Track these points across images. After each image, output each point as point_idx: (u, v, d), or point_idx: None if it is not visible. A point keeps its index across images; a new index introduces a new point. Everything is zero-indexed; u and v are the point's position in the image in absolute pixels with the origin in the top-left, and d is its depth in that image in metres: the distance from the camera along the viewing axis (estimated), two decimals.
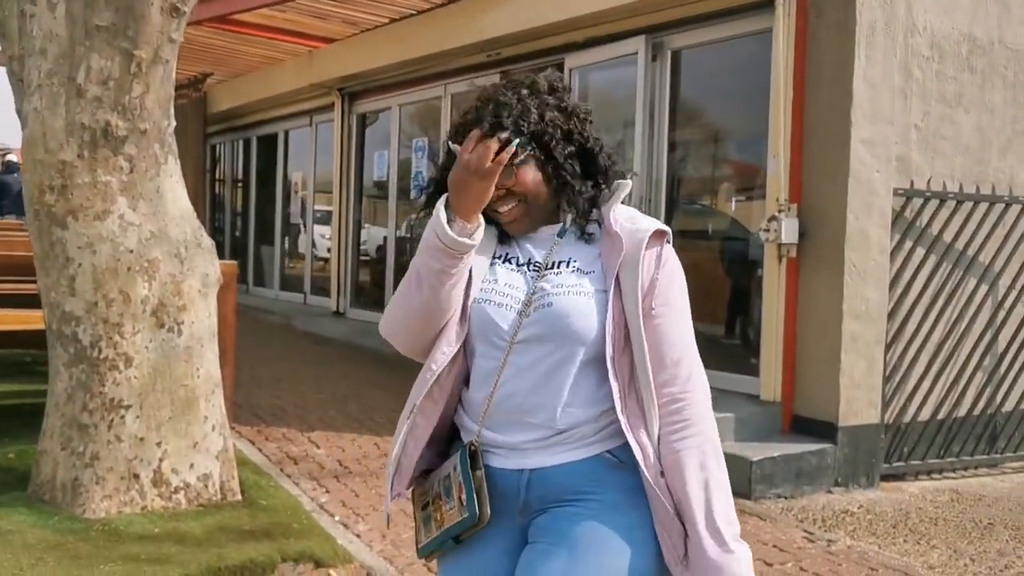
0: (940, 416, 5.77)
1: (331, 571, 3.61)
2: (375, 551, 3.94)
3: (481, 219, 1.70)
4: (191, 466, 4.06)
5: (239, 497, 4.17)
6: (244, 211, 14.81)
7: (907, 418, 5.66)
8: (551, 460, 1.68)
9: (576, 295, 1.68)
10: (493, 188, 1.66)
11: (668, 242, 1.74)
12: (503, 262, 1.76)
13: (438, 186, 1.76)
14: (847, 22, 5.34)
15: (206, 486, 4.07)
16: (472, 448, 1.71)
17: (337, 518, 4.31)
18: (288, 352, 8.93)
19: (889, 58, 5.46)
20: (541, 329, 1.67)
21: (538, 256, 1.75)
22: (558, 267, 1.72)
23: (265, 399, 6.65)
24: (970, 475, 5.81)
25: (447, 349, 1.72)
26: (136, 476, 3.95)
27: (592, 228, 1.77)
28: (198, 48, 10.28)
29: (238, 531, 3.79)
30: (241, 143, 14.79)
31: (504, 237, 1.79)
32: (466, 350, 1.74)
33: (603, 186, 1.77)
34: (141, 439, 3.95)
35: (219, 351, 4.33)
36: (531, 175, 1.71)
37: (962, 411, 5.86)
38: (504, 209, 1.71)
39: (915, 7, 5.58)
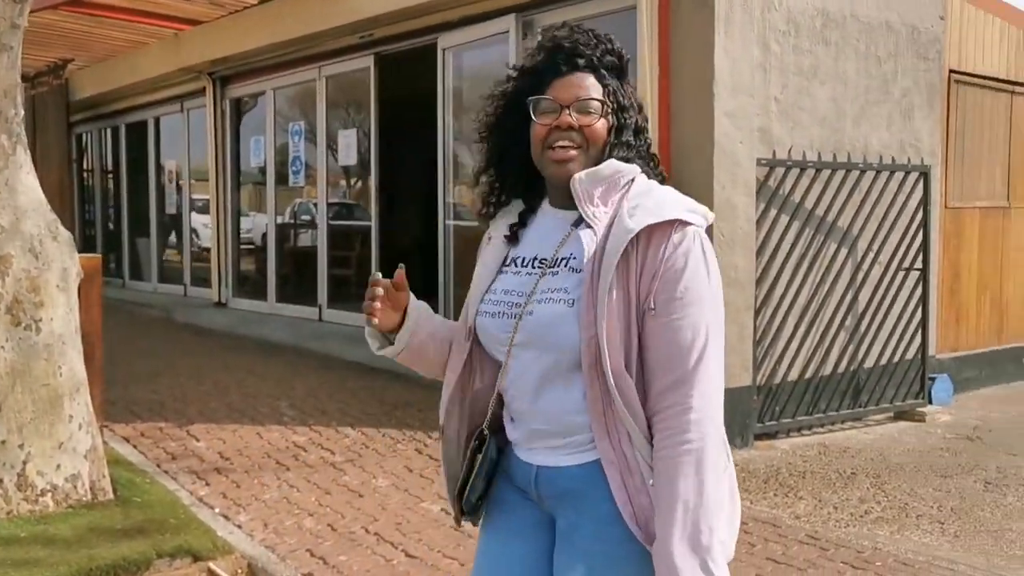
0: (808, 375, 6.05)
1: (211, 564, 3.55)
2: (257, 540, 3.89)
3: (410, 316, 1.78)
4: (58, 467, 3.92)
5: (111, 496, 4.05)
6: (116, 202, 14.25)
7: (778, 379, 5.91)
8: (554, 462, 1.69)
9: (557, 302, 1.64)
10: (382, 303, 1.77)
11: (686, 231, 1.60)
12: (509, 266, 1.76)
13: (499, 170, 1.80)
14: None
15: (75, 487, 3.94)
16: (482, 434, 1.77)
17: (217, 510, 4.24)
18: (167, 345, 8.68)
19: (747, 33, 5.65)
20: (526, 337, 1.67)
21: (546, 251, 1.72)
22: (558, 265, 1.69)
23: (142, 394, 6.45)
24: (837, 429, 6.12)
25: (455, 365, 1.80)
26: None
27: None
28: (56, 32, 9.82)
29: (111, 530, 3.69)
30: (109, 131, 14.20)
31: (514, 237, 1.78)
32: (480, 355, 1.78)
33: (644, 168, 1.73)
34: (2, 442, 3.80)
35: (85, 347, 4.18)
36: (602, 126, 1.69)
37: (828, 369, 6.15)
38: (561, 144, 1.67)
39: None
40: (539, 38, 1.78)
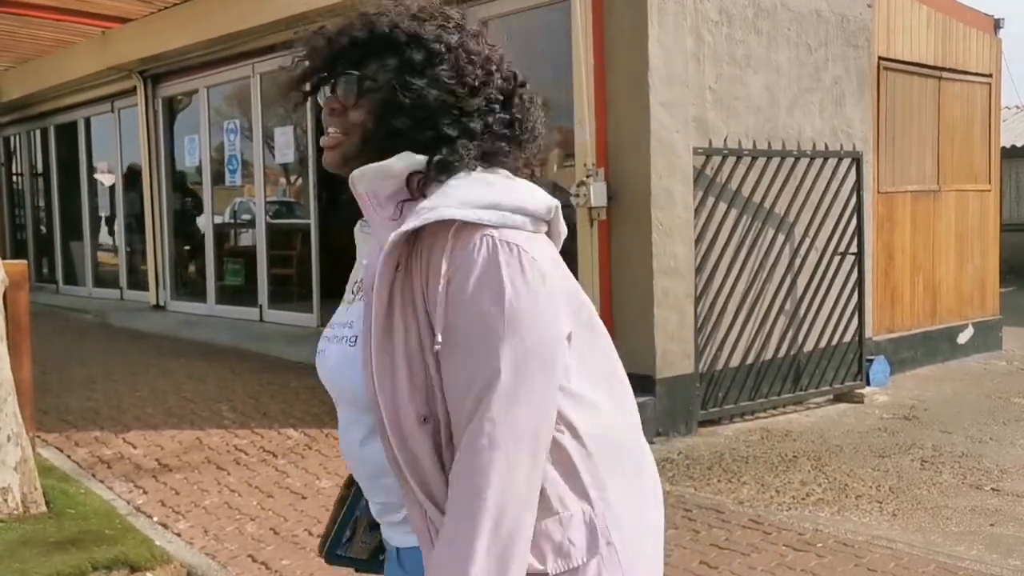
0: (749, 360, 6.13)
1: (148, 574, 3.47)
2: (197, 548, 3.82)
3: None
4: None
5: (44, 508, 3.94)
6: (48, 206, 13.87)
7: (720, 365, 5.97)
8: (407, 541, 1.32)
9: (340, 340, 1.35)
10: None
11: (472, 238, 1.22)
12: (351, 292, 1.42)
13: None
14: None
15: (5, 500, 3.82)
16: (350, 479, 1.51)
17: (155, 519, 4.14)
18: (103, 351, 8.47)
19: (680, 23, 5.68)
20: (326, 385, 1.39)
21: (360, 270, 1.40)
22: (356, 291, 1.38)
23: (75, 402, 6.29)
24: (779, 413, 6.21)
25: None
26: None
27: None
28: None
29: (44, 543, 3.58)
30: (38, 133, 13.82)
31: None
32: None
33: (458, 155, 1.29)
34: None
35: (13, 356, 4.06)
36: (362, 108, 1.33)
37: (768, 354, 6.24)
38: (328, 131, 1.38)
39: None
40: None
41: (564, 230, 1.38)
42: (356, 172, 1.30)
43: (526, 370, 1.19)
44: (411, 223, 1.22)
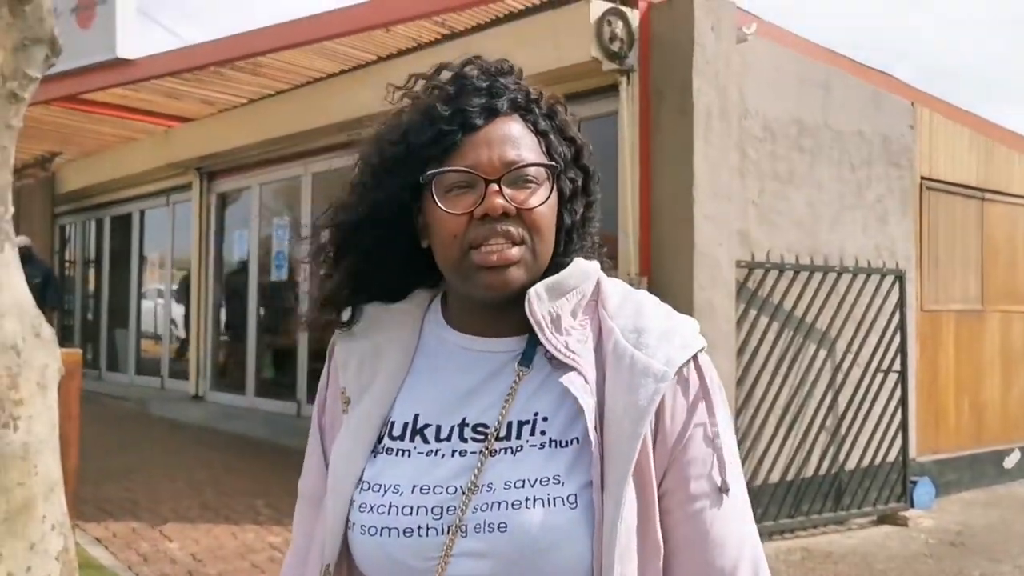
0: (790, 477, 6.03)
1: None
2: None
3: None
4: (28, 569, 3.79)
5: None
6: (96, 293, 14.20)
7: (759, 480, 5.88)
8: None
9: (548, 504, 0.98)
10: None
11: (702, 364, 1.05)
12: (399, 438, 1.06)
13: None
14: (685, 106, 5.67)
15: None
16: None
17: None
18: (141, 440, 8.54)
19: (726, 139, 5.82)
20: (489, 569, 0.98)
21: (471, 409, 1.05)
22: (517, 436, 1.02)
23: (114, 492, 6.32)
24: (819, 533, 6.06)
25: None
26: None
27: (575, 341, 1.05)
28: (46, 127, 9.94)
29: None
30: (93, 223, 14.25)
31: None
32: None
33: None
34: None
35: (61, 444, 4.11)
36: (549, 206, 1.08)
37: (809, 471, 6.14)
38: (495, 242, 1.03)
39: (747, 93, 5.98)
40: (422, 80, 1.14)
41: None
42: (540, 287, 1.07)
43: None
44: (676, 353, 1.02)
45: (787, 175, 6.22)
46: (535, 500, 0.98)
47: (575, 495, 0.98)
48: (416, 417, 1.07)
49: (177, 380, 11.61)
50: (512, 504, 0.98)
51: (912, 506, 6.55)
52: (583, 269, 1.10)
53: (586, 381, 1.01)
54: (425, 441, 1.05)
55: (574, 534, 0.97)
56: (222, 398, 10.53)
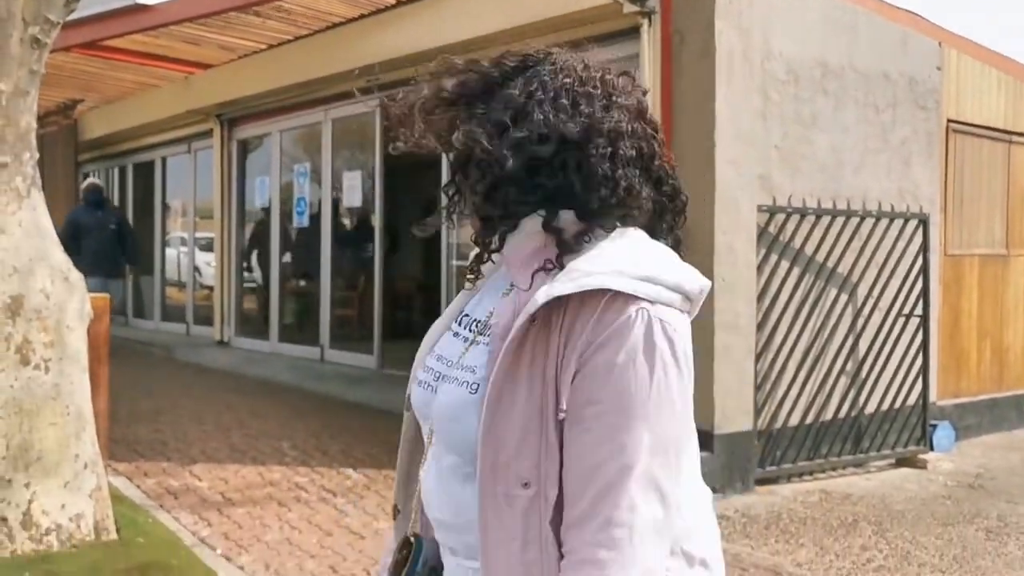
0: (809, 420, 6.07)
1: None
2: None
3: None
4: (63, 506, 3.93)
5: (115, 536, 4.07)
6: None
7: (779, 424, 5.92)
8: None
9: (461, 384, 1.25)
10: None
11: (626, 310, 1.15)
12: (458, 324, 1.36)
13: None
14: (708, 48, 5.60)
15: (79, 526, 3.95)
16: (408, 541, 1.41)
17: (219, 551, 4.24)
18: (169, 384, 8.70)
19: (748, 82, 5.75)
20: (432, 423, 1.31)
21: (482, 311, 1.33)
22: (485, 333, 1.29)
23: (144, 433, 6.47)
24: (838, 475, 6.11)
25: (405, 434, 1.44)
26: (4, 519, 3.80)
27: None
28: (67, 74, 9.95)
29: (113, 570, 3.70)
30: (116, 170, 14.34)
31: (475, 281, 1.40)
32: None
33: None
34: (8, 481, 3.82)
35: (92, 386, 4.22)
36: None
37: (829, 414, 6.17)
38: None
39: (770, 35, 5.89)
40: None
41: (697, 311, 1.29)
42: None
43: (665, 459, 1.15)
44: (563, 287, 1.15)
45: (810, 118, 6.15)
46: (455, 380, 1.26)
47: (478, 383, 1.22)
48: (462, 312, 1.38)
49: (202, 326, 11.77)
50: (447, 380, 1.28)
51: (932, 449, 6.58)
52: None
53: (514, 302, 1.24)
54: (460, 326, 1.35)
55: (468, 409, 1.21)
56: (246, 343, 10.68)
